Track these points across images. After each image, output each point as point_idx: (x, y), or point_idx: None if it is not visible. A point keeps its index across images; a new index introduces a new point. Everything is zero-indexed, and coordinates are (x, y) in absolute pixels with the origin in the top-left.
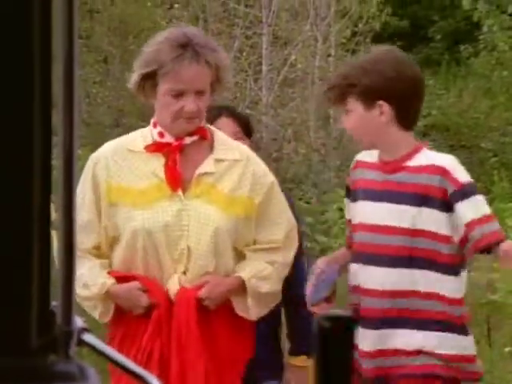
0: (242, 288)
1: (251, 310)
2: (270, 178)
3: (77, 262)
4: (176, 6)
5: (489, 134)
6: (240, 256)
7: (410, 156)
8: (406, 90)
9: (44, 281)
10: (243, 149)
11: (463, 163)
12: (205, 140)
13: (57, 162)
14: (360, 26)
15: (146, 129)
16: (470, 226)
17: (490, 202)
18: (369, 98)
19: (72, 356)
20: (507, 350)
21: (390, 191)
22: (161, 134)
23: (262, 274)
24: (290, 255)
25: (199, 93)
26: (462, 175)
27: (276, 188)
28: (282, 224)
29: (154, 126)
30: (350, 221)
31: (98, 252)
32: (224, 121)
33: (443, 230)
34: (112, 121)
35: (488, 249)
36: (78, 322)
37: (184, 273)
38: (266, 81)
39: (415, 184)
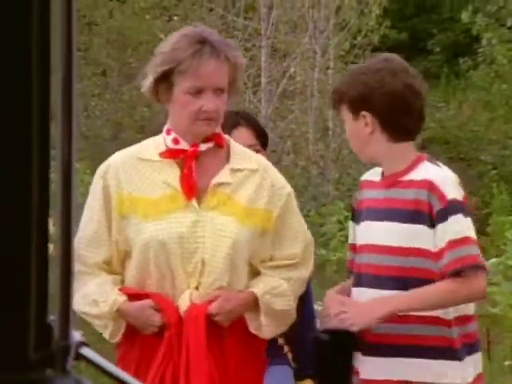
0: (255, 304)
1: (264, 328)
2: (288, 189)
3: (85, 278)
4: (175, 18)
5: (488, 146)
6: (255, 272)
7: (407, 170)
8: (389, 101)
9: (41, 295)
10: (260, 158)
11: (462, 176)
12: (221, 148)
13: (55, 175)
14: (359, 38)
15: (159, 137)
16: (443, 249)
17: (490, 215)
18: (355, 108)
19: (69, 370)
20: (507, 363)
21: (386, 209)
22: (175, 141)
23: (277, 291)
24: (306, 271)
25: (218, 91)
26: (451, 191)
27: (293, 200)
28: (299, 238)
29: (168, 132)
30: (353, 245)
31: (108, 267)
32: (241, 131)
33: (431, 247)
34: (110, 134)
35: (456, 274)
36: (76, 335)
37: (196, 288)
38: (265, 93)
39: (407, 200)
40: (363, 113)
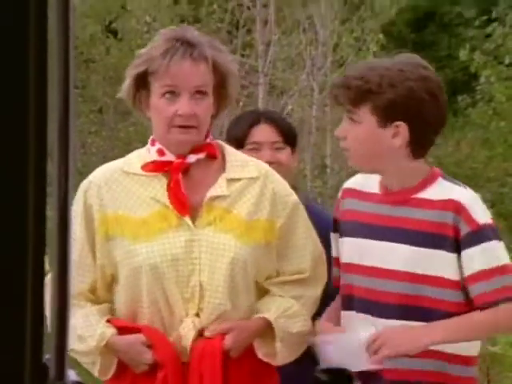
0: (267, 330)
1: (279, 355)
2: (293, 197)
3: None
4: None
5: (487, 184)
6: (261, 291)
7: (422, 186)
8: (433, 113)
9: (37, 334)
10: (260, 164)
11: None
12: (214, 159)
13: (51, 212)
14: None
15: (143, 148)
16: (473, 278)
17: None
18: (387, 114)
19: None
20: None
21: (393, 228)
22: (160, 152)
23: (291, 312)
24: (318, 287)
25: (197, 95)
26: (481, 214)
27: (300, 208)
28: (307, 250)
29: (152, 143)
30: (337, 259)
31: (93, 296)
32: (262, 128)
33: (452, 275)
34: None
35: (494, 305)
36: (71, 375)
37: (197, 314)
38: None
39: (425, 221)
40: (398, 123)
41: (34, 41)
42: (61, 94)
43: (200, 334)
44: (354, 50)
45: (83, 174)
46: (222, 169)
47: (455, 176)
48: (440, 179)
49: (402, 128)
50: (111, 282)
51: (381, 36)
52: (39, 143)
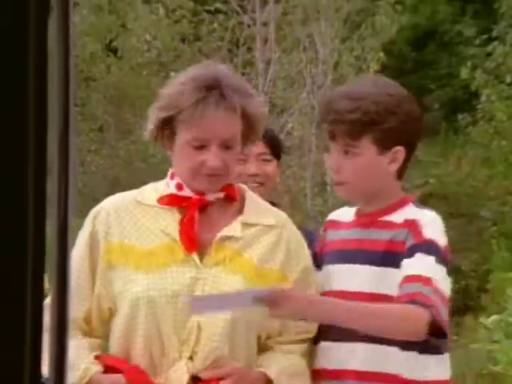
0: None
1: None
2: (307, 251)
3: None
4: (172, 74)
5: (488, 202)
6: (262, 346)
7: (390, 209)
8: (420, 134)
9: (35, 357)
10: (279, 213)
11: (462, 232)
12: (233, 200)
13: (50, 231)
14: None
15: (161, 182)
16: (401, 282)
17: (490, 272)
18: (386, 141)
19: None
20: None
21: (358, 250)
22: (179, 186)
23: (293, 369)
24: None
25: (226, 145)
26: (432, 232)
27: (312, 270)
28: None
29: (172, 177)
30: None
31: (87, 327)
32: None
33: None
34: (107, 190)
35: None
36: None
37: (190, 357)
38: None
39: (383, 240)
40: (397, 148)
41: (33, 59)
42: (61, 112)
43: (193, 379)
44: (355, 68)
45: (83, 193)
46: (240, 212)
47: (457, 195)
48: (410, 205)
49: (400, 152)
50: (108, 316)
51: (381, 54)
52: (38, 162)
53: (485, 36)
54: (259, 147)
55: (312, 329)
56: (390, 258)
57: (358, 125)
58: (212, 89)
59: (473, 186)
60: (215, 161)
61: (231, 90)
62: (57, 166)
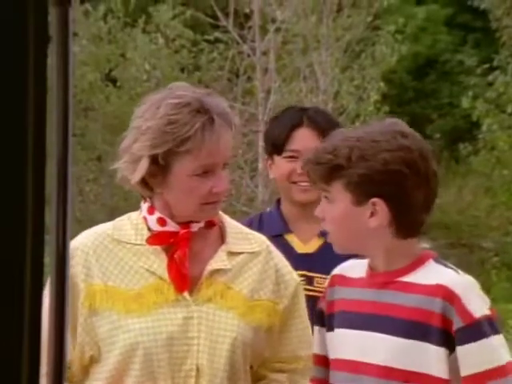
0: None
1: None
2: (294, 275)
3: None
4: None
5: (489, 233)
6: (254, 376)
7: (409, 269)
8: (416, 188)
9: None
10: (260, 238)
11: (463, 262)
12: (212, 226)
13: (49, 260)
14: (357, 123)
15: (135, 215)
16: (470, 379)
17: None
18: (361, 191)
19: None
20: None
21: (374, 315)
22: (161, 221)
23: None
24: None
25: (225, 166)
26: (477, 305)
27: (301, 290)
28: (306, 338)
29: (150, 211)
30: (321, 357)
31: (67, 373)
32: (303, 132)
33: (440, 372)
34: (105, 219)
35: None
36: None
37: None
38: (263, 178)
39: (407, 307)
40: (374, 199)
41: (33, 88)
42: (59, 141)
43: None
44: (355, 97)
45: (81, 222)
46: (220, 239)
47: (458, 224)
48: (430, 261)
49: (380, 206)
50: (90, 363)
51: (382, 84)
52: (37, 191)
53: (486, 65)
54: (311, 141)
55: (303, 357)
56: (418, 328)
57: (327, 167)
58: (204, 111)
59: (474, 215)
60: (223, 185)
61: (215, 107)
62: (55, 196)
